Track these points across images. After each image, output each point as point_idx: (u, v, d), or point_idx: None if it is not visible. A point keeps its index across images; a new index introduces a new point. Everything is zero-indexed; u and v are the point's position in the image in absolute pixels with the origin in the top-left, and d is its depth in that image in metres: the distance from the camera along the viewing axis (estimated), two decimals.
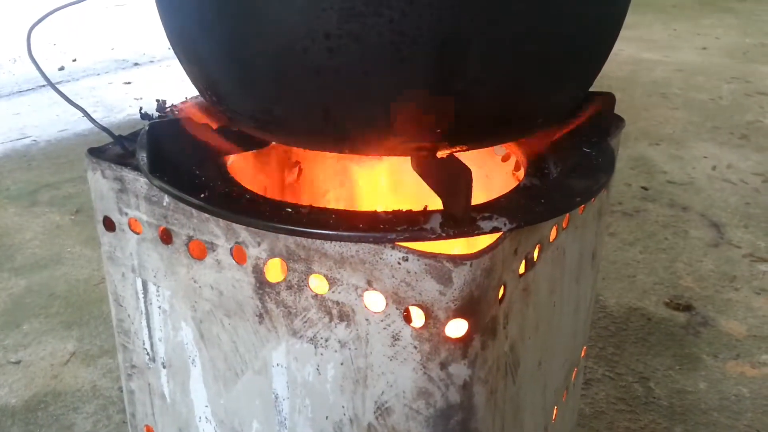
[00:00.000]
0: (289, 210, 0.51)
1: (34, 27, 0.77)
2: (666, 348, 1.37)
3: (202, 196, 0.53)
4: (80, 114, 0.75)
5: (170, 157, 0.56)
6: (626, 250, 1.73)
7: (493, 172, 0.74)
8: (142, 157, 0.58)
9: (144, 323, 0.66)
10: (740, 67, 3.26)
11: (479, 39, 0.46)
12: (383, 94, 0.48)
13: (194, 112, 0.63)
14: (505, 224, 0.50)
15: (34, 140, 2.41)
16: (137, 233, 0.63)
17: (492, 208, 0.51)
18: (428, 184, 0.51)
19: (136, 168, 0.60)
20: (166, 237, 0.60)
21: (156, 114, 0.69)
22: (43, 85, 3.02)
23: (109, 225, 0.65)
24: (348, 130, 0.51)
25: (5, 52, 3.55)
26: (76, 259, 1.67)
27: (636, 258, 1.69)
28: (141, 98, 2.84)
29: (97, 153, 0.64)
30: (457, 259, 0.47)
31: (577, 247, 0.67)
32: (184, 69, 0.60)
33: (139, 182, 0.60)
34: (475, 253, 0.48)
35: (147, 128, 0.55)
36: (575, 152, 0.59)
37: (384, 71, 0.46)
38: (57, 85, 0.78)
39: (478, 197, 0.51)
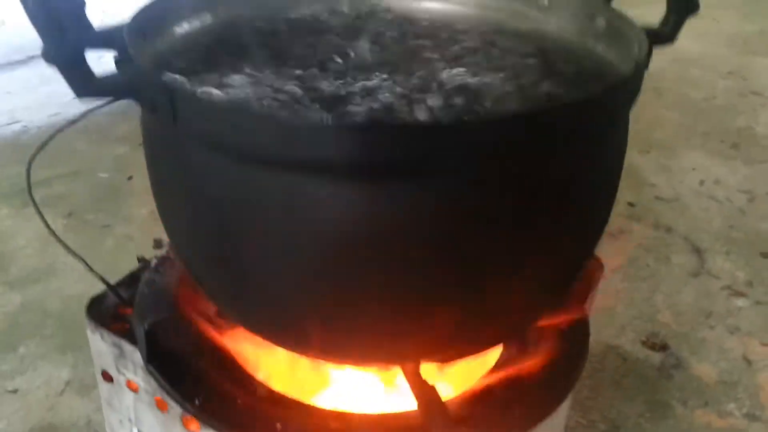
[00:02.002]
0: (276, 425, 0.54)
1: (33, 157, 0.78)
2: (639, 392, 1.43)
3: (196, 402, 0.56)
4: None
5: (167, 346, 0.59)
6: (608, 278, 1.77)
7: None
8: (140, 334, 0.61)
9: None
10: (737, 60, 3.24)
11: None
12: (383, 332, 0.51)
13: (189, 294, 0.65)
14: None
15: (25, 126, 2.40)
16: (134, 392, 0.66)
17: (469, 421, 0.55)
18: (413, 392, 0.54)
19: (134, 341, 0.63)
20: (162, 405, 0.64)
21: (154, 261, 0.71)
22: (34, 57, 2.97)
23: (107, 377, 0.68)
24: (346, 358, 0.54)
25: None
26: (69, 271, 1.69)
27: (617, 287, 1.73)
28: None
29: (96, 309, 0.67)
30: None
31: None
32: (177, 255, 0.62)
33: (137, 354, 0.63)
34: None
35: (146, 328, 0.58)
36: (550, 343, 0.62)
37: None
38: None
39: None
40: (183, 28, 0.63)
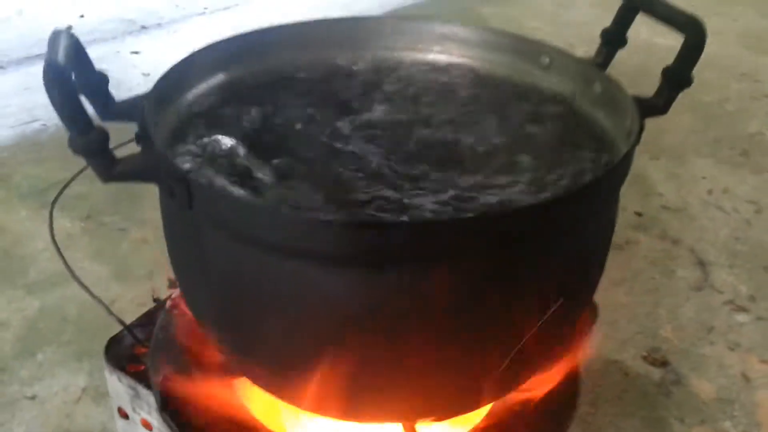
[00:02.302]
0: None
1: (55, 201, 0.82)
2: (638, 408, 1.47)
3: None
4: None
5: (181, 396, 0.63)
6: (612, 291, 1.80)
7: None
8: (155, 385, 0.65)
9: None
10: (752, 61, 3.23)
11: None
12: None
13: (200, 342, 0.69)
14: None
15: (44, 125, 2.44)
16: (149, 430, 0.70)
17: None
18: None
19: (149, 386, 0.67)
20: None
21: (168, 302, 0.75)
22: None
23: (123, 414, 0.72)
24: (345, 416, 0.58)
25: (10, 1, 3.50)
26: (86, 275, 1.73)
27: (621, 301, 1.76)
28: (149, 74, 2.85)
29: (113, 350, 0.71)
30: None
31: None
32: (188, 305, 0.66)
33: (152, 398, 0.67)
34: None
35: (160, 379, 0.62)
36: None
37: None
38: None
39: None
40: (199, 89, 0.66)
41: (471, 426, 0.66)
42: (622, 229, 2.04)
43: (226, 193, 0.50)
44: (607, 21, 0.78)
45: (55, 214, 2.04)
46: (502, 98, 0.69)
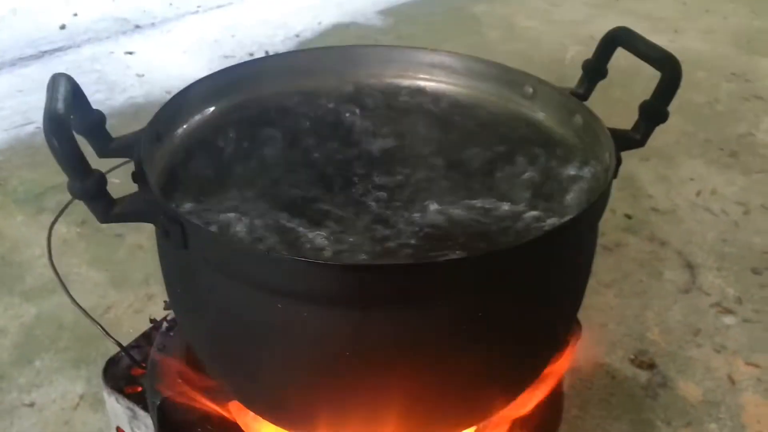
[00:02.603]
0: None
1: (53, 224, 0.84)
2: (625, 411, 1.50)
3: None
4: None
5: (177, 419, 0.66)
6: (602, 293, 1.83)
7: None
8: (152, 408, 0.67)
9: None
10: (742, 61, 3.26)
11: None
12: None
13: (194, 367, 0.71)
14: None
15: (38, 127, 2.45)
16: None
17: None
18: None
19: (146, 408, 0.69)
20: None
21: (164, 324, 0.77)
22: (46, 52, 3.03)
23: None
24: None
25: (3, 0, 3.50)
26: (82, 282, 1.77)
27: (610, 303, 1.79)
28: (143, 75, 2.86)
29: (111, 371, 0.73)
30: None
31: None
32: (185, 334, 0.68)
33: (149, 420, 0.70)
34: None
35: (158, 404, 0.64)
36: None
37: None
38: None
39: None
40: (190, 123, 0.68)
41: None
42: (611, 231, 2.07)
43: (219, 236, 0.52)
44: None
45: (50, 219, 2.05)
46: (486, 126, 0.71)
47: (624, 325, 1.72)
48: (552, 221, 0.57)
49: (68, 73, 0.70)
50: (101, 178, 0.51)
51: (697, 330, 1.72)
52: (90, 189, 0.50)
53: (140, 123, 2.51)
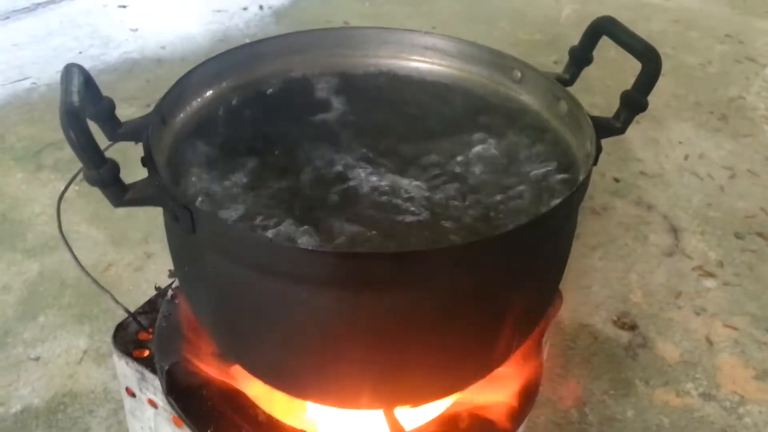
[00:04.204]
0: None
1: (62, 195, 0.88)
2: (606, 371, 1.57)
3: (210, 430, 0.68)
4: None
5: (183, 381, 0.71)
6: (588, 255, 1.89)
7: None
8: (160, 372, 0.72)
9: None
10: (736, 21, 3.26)
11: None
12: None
13: (198, 333, 0.76)
14: None
15: (34, 83, 2.46)
16: (154, 407, 0.78)
17: None
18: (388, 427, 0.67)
19: (154, 371, 0.74)
20: (178, 422, 0.76)
21: (169, 292, 0.82)
22: (40, 4, 3.00)
23: (130, 393, 0.80)
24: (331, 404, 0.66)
25: None
26: (82, 240, 1.81)
27: (595, 266, 1.85)
28: (137, 29, 2.85)
29: (120, 336, 0.78)
30: None
31: None
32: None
33: (157, 381, 0.75)
34: None
35: (165, 368, 0.69)
36: None
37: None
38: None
39: None
40: (192, 106, 0.72)
41: (443, 408, 0.74)
42: (600, 195, 2.12)
43: (227, 223, 0.56)
44: None
45: (50, 176, 2.09)
46: (475, 107, 0.75)
47: (608, 287, 1.78)
48: (527, 200, 0.61)
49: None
50: (114, 167, 0.55)
51: (678, 293, 1.79)
52: (105, 177, 0.54)
53: (136, 79, 2.53)
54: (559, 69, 0.74)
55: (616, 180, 2.18)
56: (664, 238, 1.96)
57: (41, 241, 1.79)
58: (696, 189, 2.17)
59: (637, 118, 2.52)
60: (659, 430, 1.45)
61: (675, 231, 1.99)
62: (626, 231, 1.98)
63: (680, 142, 2.38)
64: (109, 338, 1.53)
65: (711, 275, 1.85)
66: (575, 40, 0.75)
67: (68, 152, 2.25)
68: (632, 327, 1.68)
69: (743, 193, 2.16)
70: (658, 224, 2.01)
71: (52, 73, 2.52)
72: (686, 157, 2.31)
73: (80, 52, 2.67)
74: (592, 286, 1.78)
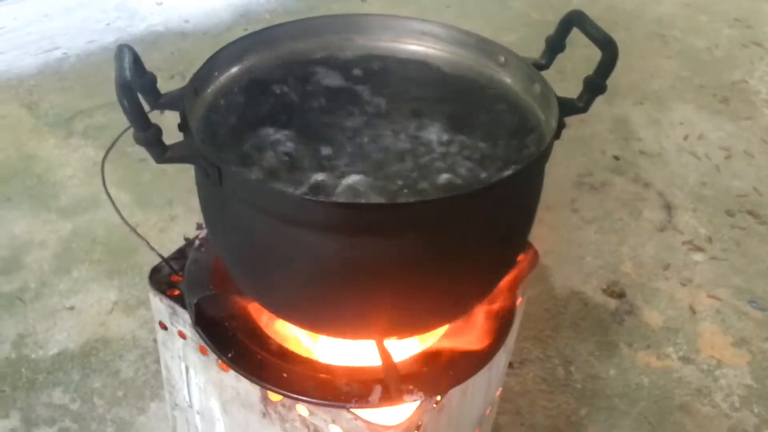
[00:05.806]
0: (283, 374, 0.79)
1: (107, 153, 1.00)
2: (593, 334, 1.69)
3: (229, 355, 0.82)
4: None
5: (209, 314, 0.84)
6: (583, 229, 2.00)
7: None
8: (189, 306, 0.85)
9: (185, 388, 0.97)
10: (747, 6, 3.31)
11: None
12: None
13: (222, 274, 0.89)
14: (420, 396, 0.79)
15: (65, 53, 2.59)
16: (183, 339, 0.92)
17: (414, 380, 0.80)
18: (379, 356, 0.79)
19: (184, 306, 0.88)
20: (204, 350, 0.89)
21: (197, 241, 0.94)
22: None
23: (163, 326, 0.93)
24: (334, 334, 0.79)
25: None
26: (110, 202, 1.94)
27: (589, 239, 1.97)
28: (162, 3, 2.97)
29: (155, 277, 0.91)
30: (385, 429, 0.77)
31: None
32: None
33: (186, 315, 0.88)
34: (397, 425, 0.77)
35: (194, 302, 0.82)
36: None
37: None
38: None
39: None
40: (220, 80, 0.84)
41: (428, 342, 0.87)
42: (599, 172, 2.22)
43: (247, 179, 0.69)
44: None
45: (79, 142, 2.23)
46: (464, 86, 0.87)
47: (600, 258, 1.90)
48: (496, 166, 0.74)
49: None
50: (158, 130, 0.67)
51: (666, 265, 1.90)
52: (150, 138, 0.66)
53: (160, 51, 2.65)
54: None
55: (616, 158, 2.28)
56: (657, 213, 2.07)
57: (73, 202, 1.93)
58: (692, 168, 2.26)
59: (640, 99, 2.62)
60: (639, 388, 1.57)
61: (669, 207, 2.10)
62: (622, 206, 2.09)
63: (681, 123, 2.47)
64: (136, 292, 1.69)
65: (700, 249, 1.95)
66: None
67: (97, 120, 2.40)
68: (620, 295, 1.80)
69: (738, 173, 2.25)
70: (653, 201, 2.12)
71: (81, 43, 2.64)
72: (686, 138, 2.40)
73: (108, 24, 2.79)
74: (586, 257, 1.90)
